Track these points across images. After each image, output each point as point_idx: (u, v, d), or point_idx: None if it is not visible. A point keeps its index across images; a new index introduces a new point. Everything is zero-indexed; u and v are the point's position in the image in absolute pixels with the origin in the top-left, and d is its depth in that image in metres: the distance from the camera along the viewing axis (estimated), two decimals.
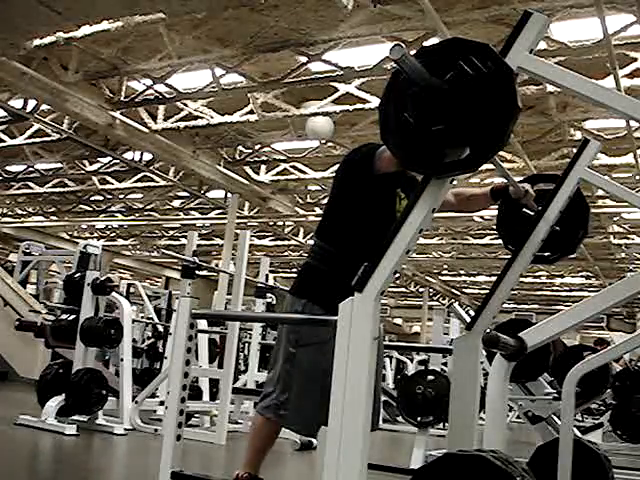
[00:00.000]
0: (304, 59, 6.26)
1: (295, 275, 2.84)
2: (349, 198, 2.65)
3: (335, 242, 2.64)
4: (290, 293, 2.73)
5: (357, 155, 2.66)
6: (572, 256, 2.81)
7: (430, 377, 4.70)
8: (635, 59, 5.78)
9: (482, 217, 11.17)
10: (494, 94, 1.62)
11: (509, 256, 2.48)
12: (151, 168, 9.92)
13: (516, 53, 1.75)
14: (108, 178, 11.29)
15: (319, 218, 2.86)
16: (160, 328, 9.50)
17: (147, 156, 9.61)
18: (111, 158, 10.17)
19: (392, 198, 2.62)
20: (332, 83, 6.68)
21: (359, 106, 6.75)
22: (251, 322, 7.64)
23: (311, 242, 2.85)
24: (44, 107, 7.85)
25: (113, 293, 5.73)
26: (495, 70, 1.62)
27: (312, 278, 2.67)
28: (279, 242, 15.12)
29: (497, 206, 2.79)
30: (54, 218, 14.81)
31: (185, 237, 7.86)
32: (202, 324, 6.04)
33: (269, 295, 7.87)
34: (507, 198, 2.58)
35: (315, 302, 2.56)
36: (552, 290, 18.89)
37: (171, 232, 15.76)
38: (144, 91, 7.39)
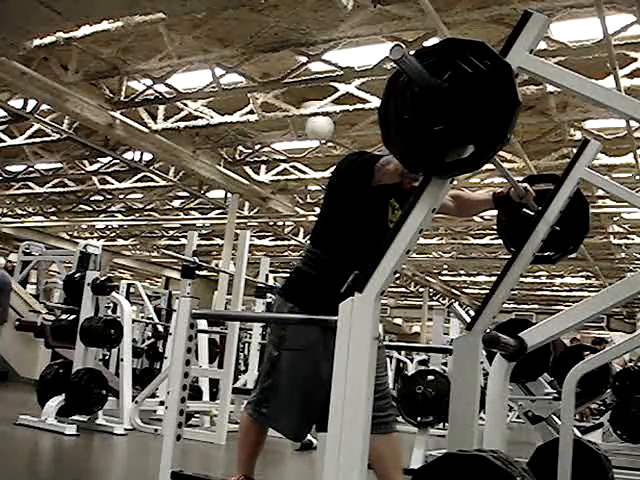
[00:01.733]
0: (304, 59, 6.26)
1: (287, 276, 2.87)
2: (342, 207, 2.65)
3: (326, 249, 2.64)
4: (279, 294, 2.77)
5: (353, 165, 2.63)
6: (572, 256, 2.81)
7: (430, 377, 4.70)
8: (635, 59, 5.78)
9: (482, 217, 11.17)
10: (494, 91, 1.62)
11: (509, 256, 2.48)
12: (151, 168, 9.92)
13: (516, 53, 1.75)
14: (108, 178, 11.29)
15: None
16: (160, 328, 9.52)
17: (147, 156, 9.60)
18: (111, 158, 10.17)
19: (385, 208, 2.62)
20: (332, 83, 6.67)
21: (359, 106, 6.75)
22: (251, 322, 7.64)
23: None
24: (44, 107, 7.84)
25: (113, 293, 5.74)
26: (493, 67, 1.62)
27: (301, 283, 2.68)
28: (279, 242, 15.12)
29: None
30: (54, 218, 14.80)
31: (185, 237, 7.85)
32: (202, 324, 6.04)
33: (269, 295, 7.86)
34: (511, 204, 2.57)
35: (302, 308, 2.57)
36: (552, 290, 18.90)
37: (171, 232, 15.76)
38: (144, 91, 7.39)
